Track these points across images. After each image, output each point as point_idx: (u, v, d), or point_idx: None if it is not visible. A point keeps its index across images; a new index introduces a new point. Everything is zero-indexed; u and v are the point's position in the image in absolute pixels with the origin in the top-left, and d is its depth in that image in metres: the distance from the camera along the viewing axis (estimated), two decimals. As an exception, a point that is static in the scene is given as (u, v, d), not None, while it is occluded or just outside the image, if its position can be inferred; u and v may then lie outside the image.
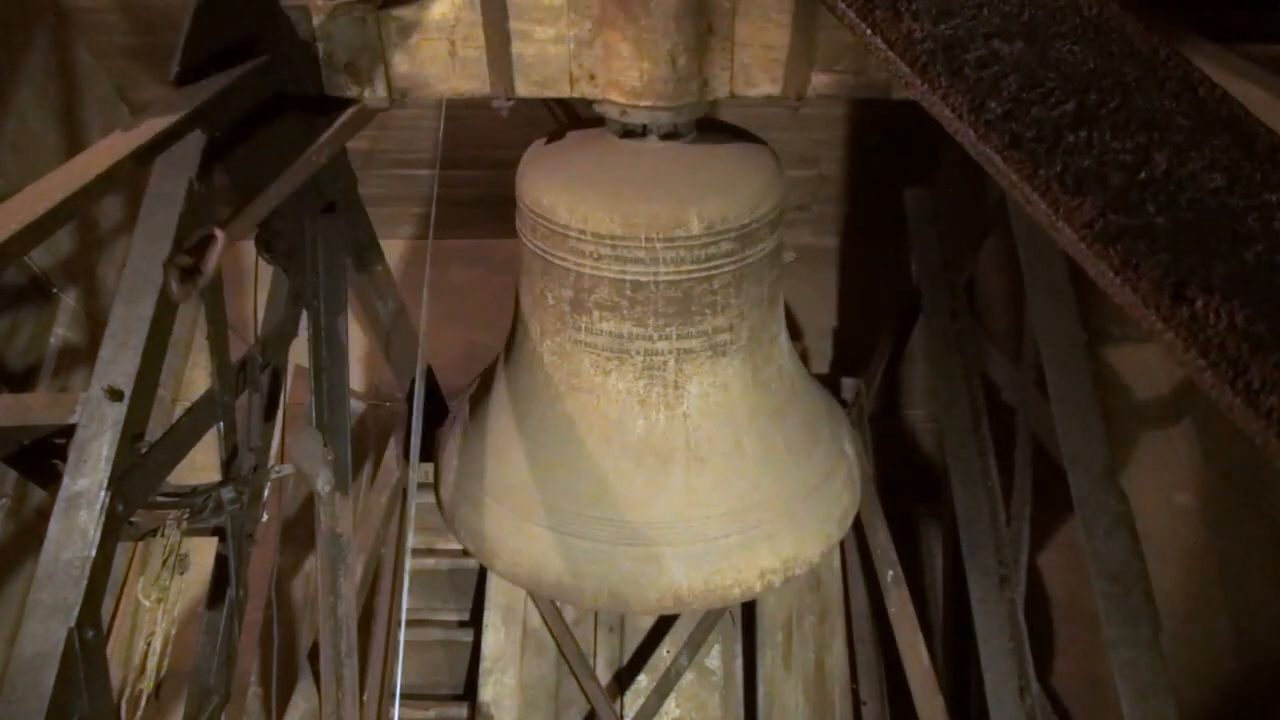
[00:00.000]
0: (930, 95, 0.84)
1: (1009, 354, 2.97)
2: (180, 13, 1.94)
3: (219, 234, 1.20)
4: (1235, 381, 0.71)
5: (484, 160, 3.28)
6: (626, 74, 2.11)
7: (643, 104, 2.15)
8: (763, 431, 2.54)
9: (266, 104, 2.17)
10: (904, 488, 4.11)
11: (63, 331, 3.80)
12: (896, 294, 3.69)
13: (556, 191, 2.29)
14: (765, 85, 2.22)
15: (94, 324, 3.89)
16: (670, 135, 2.28)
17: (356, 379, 2.92)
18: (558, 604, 3.70)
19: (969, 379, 3.01)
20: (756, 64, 2.19)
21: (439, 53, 2.23)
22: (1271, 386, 0.70)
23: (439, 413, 3.76)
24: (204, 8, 1.94)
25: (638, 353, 2.37)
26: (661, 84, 2.11)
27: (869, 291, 4.70)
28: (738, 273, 2.32)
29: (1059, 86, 0.82)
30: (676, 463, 2.46)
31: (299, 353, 2.71)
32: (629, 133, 2.28)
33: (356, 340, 2.94)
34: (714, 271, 2.29)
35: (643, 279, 2.26)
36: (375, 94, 2.28)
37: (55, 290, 3.75)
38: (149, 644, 2.04)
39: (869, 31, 0.87)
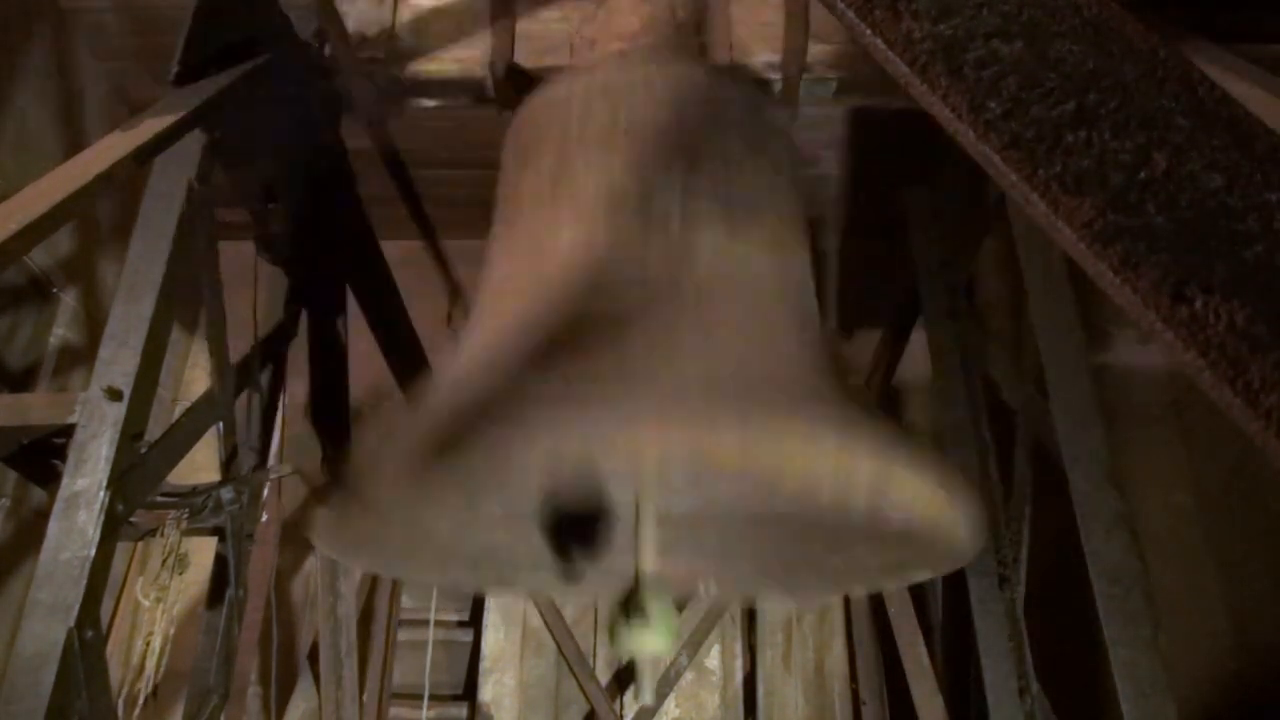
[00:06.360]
0: (929, 95, 0.84)
1: (1009, 354, 2.97)
2: (180, 13, 1.95)
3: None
4: (1235, 381, 0.71)
5: (484, 160, 3.28)
6: (627, 22, 2.14)
7: (642, 42, 2.11)
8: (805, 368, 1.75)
9: (266, 104, 2.18)
10: (904, 488, 4.10)
11: (62, 331, 3.79)
12: (896, 294, 3.69)
13: (549, 81, 2.11)
14: (764, 54, 2.27)
15: (94, 324, 3.89)
16: None
17: (357, 379, 2.91)
18: (555, 601, 3.69)
19: (969, 379, 3.01)
20: (754, 37, 2.24)
21: (444, 25, 2.34)
22: (1271, 386, 0.70)
23: (439, 413, 3.76)
24: (204, 8, 1.95)
25: (633, 212, 1.80)
26: (662, 26, 2.12)
27: (869, 291, 4.69)
28: (753, 147, 1.95)
29: (1059, 86, 0.82)
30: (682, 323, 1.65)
31: (299, 353, 2.71)
32: None
33: (356, 340, 2.94)
34: (725, 122, 1.94)
35: (640, 108, 1.92)
36: (375, 58, 2.42)
37: (55, 290, 3.75)
38: (148, 644, 2.04)
39: (868, 31, 0.87)
